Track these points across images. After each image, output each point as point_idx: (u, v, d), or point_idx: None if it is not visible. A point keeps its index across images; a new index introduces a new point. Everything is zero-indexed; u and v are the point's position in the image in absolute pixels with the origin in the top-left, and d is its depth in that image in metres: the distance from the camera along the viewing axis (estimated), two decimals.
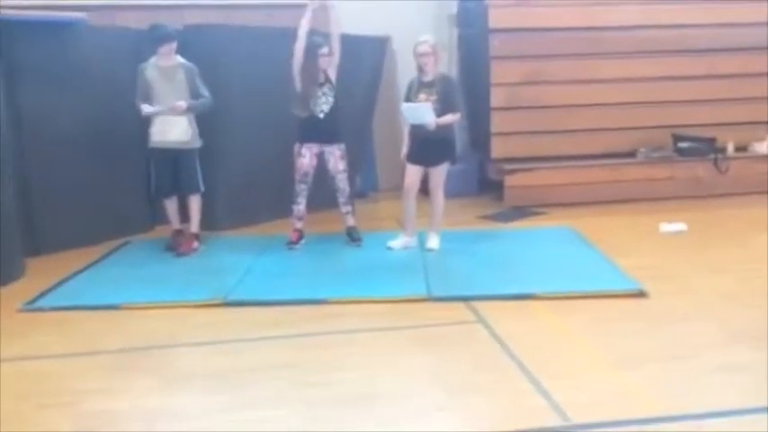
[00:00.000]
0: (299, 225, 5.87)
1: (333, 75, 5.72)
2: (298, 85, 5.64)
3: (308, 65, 5.60)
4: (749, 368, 3.49)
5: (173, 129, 5.58)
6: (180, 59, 5.63)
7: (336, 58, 5.71)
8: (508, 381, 3.48)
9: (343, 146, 5.78)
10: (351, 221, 5.96)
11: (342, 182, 5.80)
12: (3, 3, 5.91)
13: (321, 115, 5.64)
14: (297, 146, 5.72)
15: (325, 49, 5.61)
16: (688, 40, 7.54)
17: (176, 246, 5.80)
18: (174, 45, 5.57)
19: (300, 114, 5.63)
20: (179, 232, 5.90)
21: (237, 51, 6.28)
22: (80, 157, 5.87)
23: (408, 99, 5.59)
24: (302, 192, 5.77)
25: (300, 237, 5.87)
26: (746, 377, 3.40)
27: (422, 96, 5.47)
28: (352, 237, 5.93)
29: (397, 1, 7.91)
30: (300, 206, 5.81)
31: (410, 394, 3.40)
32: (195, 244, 5.81)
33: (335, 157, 5.75)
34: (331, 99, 5.66)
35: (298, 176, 5.74)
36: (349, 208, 5.93)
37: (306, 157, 5.70)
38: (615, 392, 3.32)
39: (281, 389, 3.46)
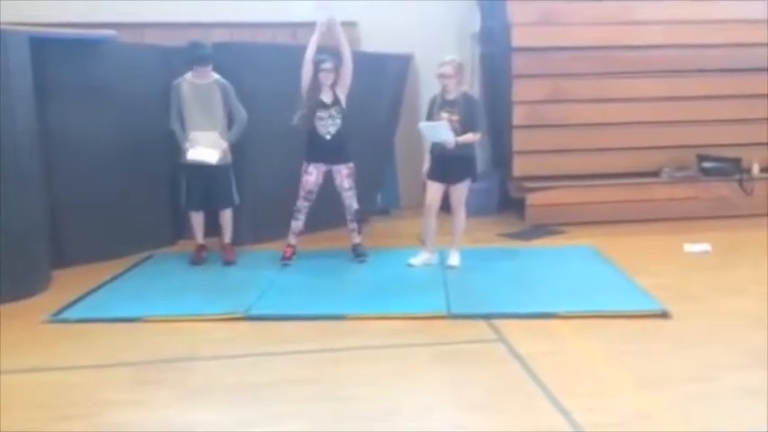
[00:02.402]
0: (293, 241, 5.90)
1: (342, 96, 5.72)
2: (305, 102, 5.67)
3: (313, 81, 5.64)
4: None
5: (206, 144, 5.63)
6: (215, 76, 5.71)
7: (347, 79, 5.71)
8: (528, 400, 3.45)
9: (351, 164, 5.79)
10: (357, 239, 5.97)
11: (348, 199, 5.82)
12: (34, 20, 6.06)
13: (328, 137, 5.67)
14: (304, 164, 5.76)
15: (327, 64, 5.60)
16: (713, 59, 7.50)
17: (198, 260, 5.87)
18: (210, 65, 5.66)
19: (299, 127, 5.64)
20: (202, 247, 5.96)
21: (263, 69, 6.35)
22: (106, 172, 5.96)
23: (430, 116, 5.62)
24: (304, 209, 5.80)
25: (293, 253, 5.89)
26: None
27: (444, 115, 5.49)
28: (357, 253, 5.95)
29: (420, 19, 7.97)
30: (299, 222, 5.84)
31: (429, 412, 3.39)
32: (235, 251, 5.96)
33: (342, 176, 5.77)
34: (339, 121, 5.67)
35: (302, 193, 5.77)
36: (355, 225, 5.94)
37: (312, 175, 5.74)
38: (636, 414, 3.29)
39: (301, 404, 3.47)
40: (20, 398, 3.55)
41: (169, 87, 5.73)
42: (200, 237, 5.97)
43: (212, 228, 6.02)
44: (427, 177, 5.70)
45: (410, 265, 5.72)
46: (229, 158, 5.77)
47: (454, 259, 5.73)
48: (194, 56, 5.63)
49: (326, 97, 5.67)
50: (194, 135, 5.64)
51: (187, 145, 5.61)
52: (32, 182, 5.22)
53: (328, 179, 5.82)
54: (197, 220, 5.93)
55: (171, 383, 3.73)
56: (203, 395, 3.59)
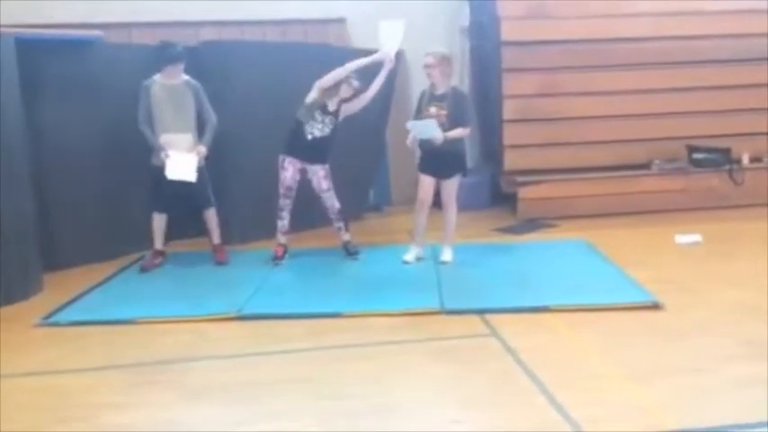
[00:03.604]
0: (283, 240, 5.90)
1: (343, 114, 5.80)
2: (312, 95, 5.65)
3: (333, 86, 5.66)
4: (766, 381, 3.45)
5: (178, 146, 5.56)
6: (185, 77, 5.63)
7: (358, 106, 5.84)
8: (522, 394, 3.47)
9: (327, 166, 5.80)
10: (346, 236, 5.98)
11: (328, 200, 5.83)
12: (21, 22, 6.03)
13: (309, 137, 5.67)
14: (281, 157, 5.76)
15: (355, 82, 5.71)
16: (702, 51, 7.53)
17: (150, 266, 5.74)
18: (182, 65, 5.57)
19: (301, 119, 5.65)
20: (159, 253, 5.84)
21: (253, 67, 6.33)
22: (97, 173, 5.95)
23: (419, 111, 5.62)
24: (286, 206, 5.80)
25: (285, 252, 5.89)
26: (763, 390, 3.37)
27: (432, 110, 5.50)
28: (349, 251, 5.96)
29: (409, 14, 7.94)
30: (285, 221, 5.84)
31: (424, 407, 3.40)
32: (226, 250, 5.93)
33: (319, 177, 5.78)
34: (327, 130, 5.70)
35: (282, 190, 5.77)
36: (341, 224, 5.94)
37: (289, 171, 5.74)
38: (631, 406, 3.31)
39: (297, 402, 3.48)
40: (16, 402, 3.54)
41: None
42: (159, 242, 5.82)
43: (201, 229, 6.00)
44: (419, 170, 5.70)
45: (405, 263, 5.71)
46: (202, 162, 5.69)
47: (447, 255, 5.74)
48: (166, 55, 5.51)
49: (332, 105, 5.73)
50: (167, 138, 5.55)
51: (163, 155, 5.49)
52: (22, 184, 5.20)
53: (308, 180, 5.82)
54: (160, 223, 5.79)
55: (167, 384, 3.73)
56: (200, 395, 3.59)
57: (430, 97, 5.56)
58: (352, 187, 6.70)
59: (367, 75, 5.87)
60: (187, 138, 5.62)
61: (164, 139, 5.56)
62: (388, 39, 5.72)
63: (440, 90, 5.54)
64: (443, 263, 5.68)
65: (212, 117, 5.69)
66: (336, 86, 5.67)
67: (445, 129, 5.44)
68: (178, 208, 5.79)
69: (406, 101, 7.83)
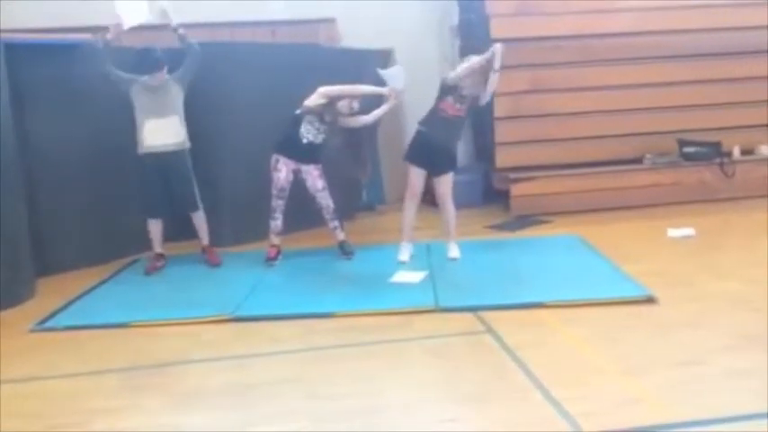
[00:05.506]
0: (276, 241, 5.89)
1: (335, 125, 5.83)
2: (313, 99, 5.65)
3: (335, 98, 5.72)
4: (759, 373, 3.47)
5: (164, 130, 5.55)
6: (167, 75, 5.59)
7: (352, 124, 5.91)
8: (518, 390, 3.47)
9: (320, 165, 5.81)
10: (341, 236, 5.97)
11: (323, 199, 5.83)
12: (9, 27, 5.99)
13: (304, 140, 5.68)
14: (274, 157, 5.75)
15: (355, 104, 5.83)
16: (691, 44, 7.55)
17: (153, 269, 5.73)
18: (164, 70, 5.53)
19: (300, 117, 5.67)
20: (160, 256, 5.83)
21: (243, 69, 6.32)
22: (87, 177, 5.92)
23: (441, 99, 5.63)
24: (279, 207, 5.79)
25: (278, 253, 5.88)
26: (757, 382, 3.38)
27: (457, 105, 5.58)
28: (344, 251, 5.95)
29: (399, 14, 7.96)
30: (278, 221, 5.83)
31: (420, 406, 3.40)
32: (217, 252, 5.92)
33: (313, 177, 5.78)
34: (320, 137, 5.73)
35: (275, 192, 5.76)
36: (336, 223, 5.94)
37: (282, 172, 5.73)
38: (626, 400, 3.32)
39: (293, 403, 3.47)
40: (9, 408, 3.52)
41: None
42: (158, 246, 5.81)
43: (191, 231, 5.97)
44: (410, 161, 5.68)
45: (402, 263, 5.67)
46: (187, 144, 5.66)
47: (454, 251, 5.75)
48: (146, 65, 5.49)
49: (329, 116, 5.74)
50: (151, 123, 5.51)
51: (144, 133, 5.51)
52: (14, 189, 5.17)
53: (301, 180, 5.81)
54: (156, 228, 5.76)
55: (161, 388, 3.72)
56: (194, 398, 3.58)
57: (456, 96, 5.58)
58: (343, 188, 6.68)
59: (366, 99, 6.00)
60: (173, 120, 5.59)
61: (149, 124, 5.52)
62: (392, 81, 5.85)
63: (465, 91, 5.58)
64: (452, 259, 5.69)
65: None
66: (336, 100, 5.71)
67: (458, 127, 5.61)
68: (167, 211, 5.76)
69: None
